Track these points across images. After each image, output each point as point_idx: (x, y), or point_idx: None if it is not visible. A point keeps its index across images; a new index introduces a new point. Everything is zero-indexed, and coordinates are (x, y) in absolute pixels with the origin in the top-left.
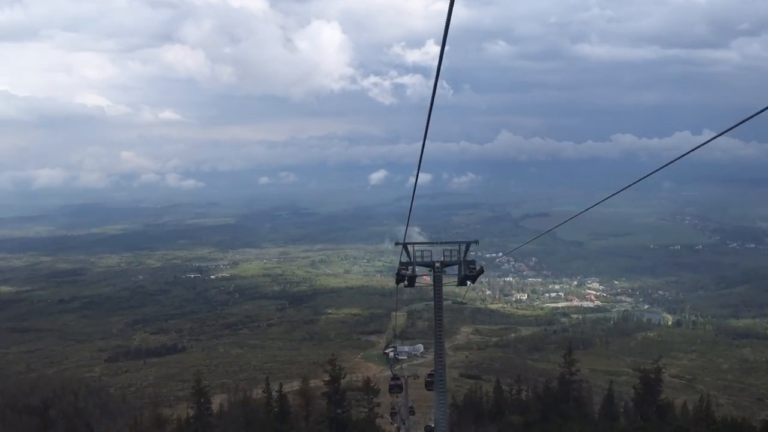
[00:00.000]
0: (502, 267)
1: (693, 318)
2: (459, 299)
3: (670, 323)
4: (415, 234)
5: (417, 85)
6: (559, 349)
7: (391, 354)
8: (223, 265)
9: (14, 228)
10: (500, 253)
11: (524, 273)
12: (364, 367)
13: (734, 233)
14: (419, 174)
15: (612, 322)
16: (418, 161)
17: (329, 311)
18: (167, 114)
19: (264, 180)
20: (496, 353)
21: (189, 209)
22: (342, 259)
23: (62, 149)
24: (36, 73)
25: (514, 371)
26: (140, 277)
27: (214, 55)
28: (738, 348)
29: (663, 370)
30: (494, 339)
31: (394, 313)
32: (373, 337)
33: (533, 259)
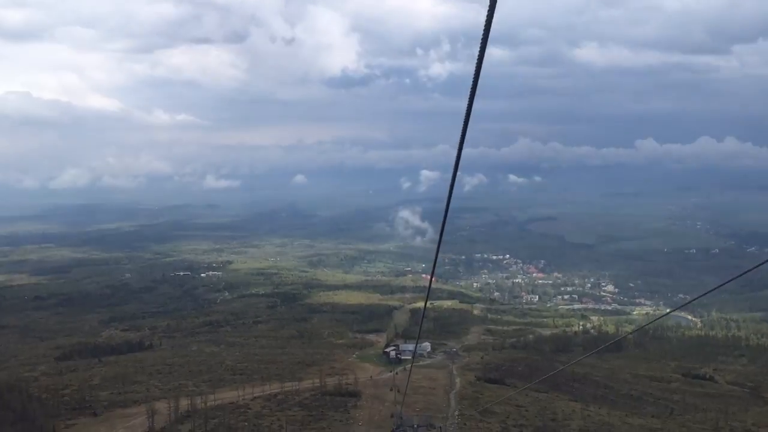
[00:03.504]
0: (510, 269)
1: (723, 321)
2: (468, 298)
3: (699, 326)
4: (411, 215)
5: (423, 90)
6: (588, 350)
7: (393, 353)
8: (216, 263)
9: (8, 225)
10: (507, 255)
11: (533, 275)
12: (359, 367)
13: (750, 238)
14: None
15: (636, 324)
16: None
17: (324, 309)
18: (182, 117)
19: (300, 179)
20: (515, 354)
21: (189, 210)
22: (342, 260)
23: (80, 151)
24: (54, 73)
25: (542, 374)
26: (127, 274)
27: (226, 57)
28: None
29: (718, 377)
30: (510, 340)
31: (395, 311)
32: (372, 336)
33: (542, 261)
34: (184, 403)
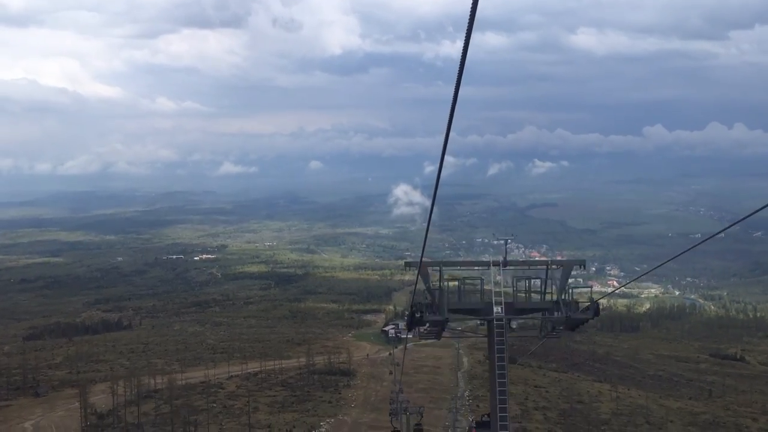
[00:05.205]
0: (511, 254)
1: (737, 304)
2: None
3: (712, 308)
4: (410, 190)
5: (422, 78)
6: (602, 330)
7: (392, 332)
8: (212, 247)
9: (9, 210)
10: (509, 238)
11: (536, 259)
12: (355, 346)
13: (755, 223)
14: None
15: (646, 307)
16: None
17: (320, 290)
18: (186, 104)
19: (315, 165)
20: (524, 334)
21: (185, 197)
22: (340, 243)
23: (87, 138)
24: (58, 60)
25: (558, 354)
26: (119, 258)
27: (228, 43)
28: None
29: (749, 357)
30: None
31: (394, 292)
32: (369, 316)
33: (544, 246)
34: (148, 382)
